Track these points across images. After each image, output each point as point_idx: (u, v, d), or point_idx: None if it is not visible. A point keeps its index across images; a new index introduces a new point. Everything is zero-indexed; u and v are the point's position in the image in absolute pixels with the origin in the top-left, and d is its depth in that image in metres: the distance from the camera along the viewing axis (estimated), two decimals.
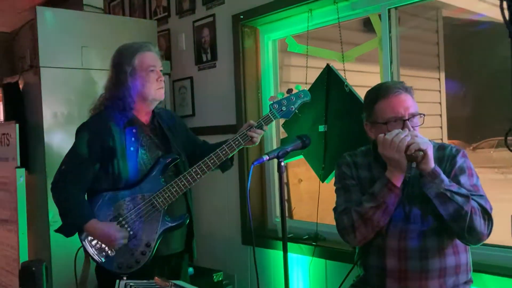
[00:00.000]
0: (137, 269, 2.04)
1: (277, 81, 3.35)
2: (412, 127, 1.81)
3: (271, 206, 3.32)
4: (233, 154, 2.22)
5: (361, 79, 3.14)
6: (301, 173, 3.89)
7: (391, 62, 2.68)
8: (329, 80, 2.87)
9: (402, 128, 1.77)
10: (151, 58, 2.14)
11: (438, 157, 1.84)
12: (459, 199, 1.68)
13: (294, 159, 3.10)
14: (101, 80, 2.38)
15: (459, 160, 1.82)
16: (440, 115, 5.30)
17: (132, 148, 2.07)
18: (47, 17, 2.94)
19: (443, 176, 1.70)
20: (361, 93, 2.42)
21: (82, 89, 3.06)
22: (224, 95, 3.38)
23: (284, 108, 2.19)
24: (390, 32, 2.66)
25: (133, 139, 2.09)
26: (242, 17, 3.20)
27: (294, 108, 2.21)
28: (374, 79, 2.96)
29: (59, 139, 2.99)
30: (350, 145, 2.31)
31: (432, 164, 1.70)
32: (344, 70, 2.77)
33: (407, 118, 1.81)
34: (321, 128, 2.89)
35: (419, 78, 4.87)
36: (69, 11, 3.09)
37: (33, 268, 1.98)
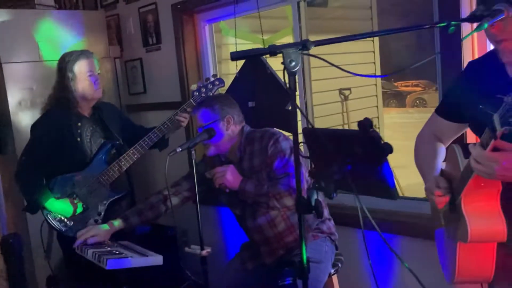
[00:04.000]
0: None
1: (215, 59, 3.81)
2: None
3: None
4: (168, 135, 2.73)
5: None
6: None
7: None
8: (256, 62, 3.34)
9: None
10: (89, 65, 2.59)
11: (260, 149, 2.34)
12: (263, 198, 2.22)
13: None
14: None
15: (269, 149, 2.28)
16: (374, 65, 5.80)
17: (78, 139, 2.57)
18: (3, 18, 3.34)
19: (248, 187, 2.25)
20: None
21: (41, 79, 3.48)
22: (169, 75, 3.83)
23: (203, 95, 2.68)
24: (300, 22, 3.12)
25: (78, 131, 2.58)
26: (179, 6, 3.62)
27: (211, 94, 2.69)
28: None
29: (25, 124, 3.41)
30: (272, 119, 2.81)
31: (235, 187, 2.26)
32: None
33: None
34: (250, 104, 3.39)
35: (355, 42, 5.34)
36: (22, 11, 3.48)
37: (11, 241, 2.51)
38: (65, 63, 2.58)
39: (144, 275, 2.96)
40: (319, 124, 4.93)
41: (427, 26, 1.44)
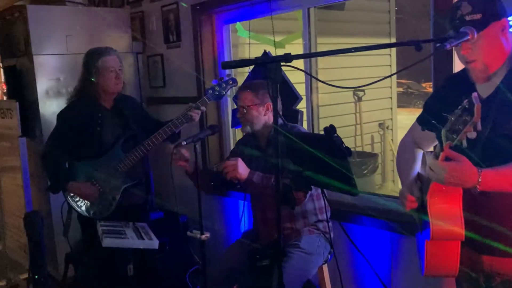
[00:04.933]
0: (107, 215, 2.83)
1: (230, 58, 4.02)
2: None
3: None
4: (180, 129, 2.95)
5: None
6: None
7: (310, 50, 3.35)
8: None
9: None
10: (112, 61, 2.83)
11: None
12: (268, 190, 2.41)
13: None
14: None
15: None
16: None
17: (98, 128, 2.82)
18: (36, 13, 3.62)
19: (255, 178, 2.46)
20: None
21: (68, 70, 3.76)
22: (188, 71, 4.06)
23: (216, 93, 2.88)
24: (309, 27, 3.32)
25: (99, 121, 2.83)
26: (198, 7, 3.85)
27: (224, 93, 2.89)
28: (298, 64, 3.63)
29: (51, 112, 3.69)
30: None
31: (243, 178, 2.46)
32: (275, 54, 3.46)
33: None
34: None
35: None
36: (54, 7, 3.77)
37: (32, 217, 2.79)
38: (90, 58, 2.83)
39: (153, 258, 3.22)
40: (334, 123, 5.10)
41: (399, 44, 1.63)
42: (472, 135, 1.40)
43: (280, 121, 2.64)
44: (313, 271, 2.58)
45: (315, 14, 3.36)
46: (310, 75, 1.46)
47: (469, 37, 1.58)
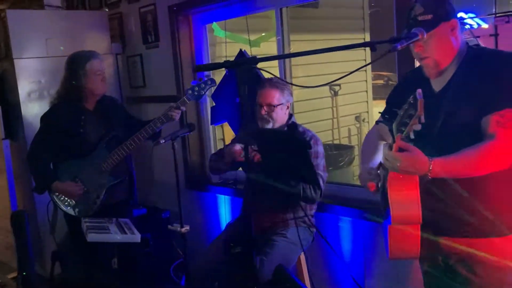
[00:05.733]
0: (92, 213, 2.94)
1: (208, 57, 4.14)
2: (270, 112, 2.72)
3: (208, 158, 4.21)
4: (161, 129, 3.06)
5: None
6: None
7: (283, 49, 3.48)
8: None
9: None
10: (98, 65, 2.93)
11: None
12: None
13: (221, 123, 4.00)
14: (63, 65, 3.03)
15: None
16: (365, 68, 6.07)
17: (81, 130, 2.92)
18: (16, 18, 3.69)
19: None
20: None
21: (48, 73, 3.84)
22: (166, 70, 4.16)
23: (196, 93, 3.00)
24: (282, 26, 3.45)
25: (82, 123, 2.93)
26: (175, 8, 3.95)
27: (203, 93, 3.01)
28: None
29: (33, 114, 3.77)
30: (253, 115, 3.16)
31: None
32: (251, 53, 3.59)
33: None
34: (237, 99, 3.73)
35: (346, 40, 5.64)
36: (33, 11, 3.84)
37: (18, 216, 2.89)
38: (76, 62, 2.92)
39: (137, 251, 3.34)
40: (308, 118, 5.25)
41: (355, 46, 1.77)
42: (417, 127, 1.56)
43: (293, 118, 2.85)
44: (294, 259, 2.74)
45: (288, 12, 3.49)
46: (280, 79, 1.59)
47: (419, 38, 1.73)
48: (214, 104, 3.99)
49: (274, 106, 2.72)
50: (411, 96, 1.55)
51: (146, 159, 4.34)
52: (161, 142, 2.53)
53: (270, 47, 3.99)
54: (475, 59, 1.81)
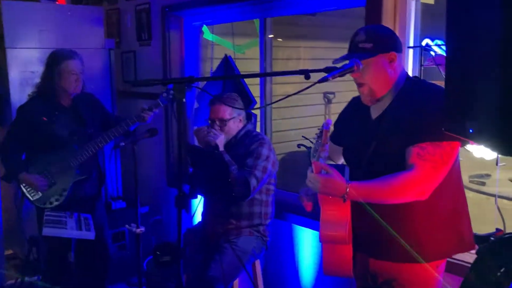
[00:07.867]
0: (58, 205, 3.03)
1: (198, 58, 4.21)
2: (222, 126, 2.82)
3: None
4: (135, 127, 3.14)
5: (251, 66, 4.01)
6: None
7: (265, 57, 3.53)
8: (226, 66, 3.74)
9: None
10: (74, 65, 3.01)
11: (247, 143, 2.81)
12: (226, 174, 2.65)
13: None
14: None
15: (251, 147, 2.78)
16: None
17: (54, 125, 3.01)
18: (11, 8, 3.80)
19: (226, 156, 2.68)
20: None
21: (40, 64, 3.88)
22: (156, 68, 4.25)
23: (170, 96, 3.07)
24: (264, 34, 3.50)
25: (54, 118, 3.02)
26: (167, 9, 4.02)
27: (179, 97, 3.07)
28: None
29: (23, 102, 3.89)
30: None
31: (220, 147, 2.70)
32: (235, 58, 3.66)
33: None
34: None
35: (340, 48, 5.63)
36: (27, 3, 3.94)
37: None
38: (54, 60, 3.01)
39: (106, 246, 3.44)
40: (303, 124, 5.29)
41: (290, 73, 1.82)
42: (324, 154, 1.64)
43: (250, 126, 3.00)
44: (242, 269, 2.79)
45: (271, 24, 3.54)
46: (230, 94, 1.66)
47: (354, 70, 1.78)
48: (198, 105, 4.07)
49: (226, 121, 2.81)
50: (321, 126, 1.64)
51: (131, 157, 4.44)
52: (121, 145, 2.61)
53: (254, 52, 4.04)
54: (409, 92, 1.85)
